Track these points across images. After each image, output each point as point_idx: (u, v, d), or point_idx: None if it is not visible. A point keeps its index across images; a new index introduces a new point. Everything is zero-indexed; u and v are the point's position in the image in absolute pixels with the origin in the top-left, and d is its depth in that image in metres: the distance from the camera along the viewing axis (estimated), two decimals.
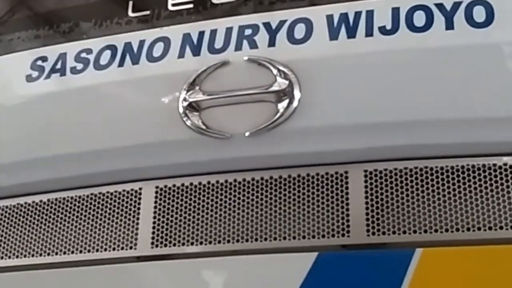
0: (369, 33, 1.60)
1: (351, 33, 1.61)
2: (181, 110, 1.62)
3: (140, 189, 1.66)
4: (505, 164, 1.50)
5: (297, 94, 1.58)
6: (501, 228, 1.45)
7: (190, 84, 1.64)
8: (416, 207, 1.51)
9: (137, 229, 1.63)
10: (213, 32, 1.70)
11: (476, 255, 1.44)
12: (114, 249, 1.63)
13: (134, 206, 1.65)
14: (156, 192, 1.64)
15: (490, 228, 1.46)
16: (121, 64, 1.74)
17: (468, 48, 1.56)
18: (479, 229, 1.46)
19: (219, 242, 1.57)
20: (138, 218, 1.64)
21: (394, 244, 1.49)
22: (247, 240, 1.56)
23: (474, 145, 1.52)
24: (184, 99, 1.63)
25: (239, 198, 1.59)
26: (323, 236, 1.53)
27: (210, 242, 1.58)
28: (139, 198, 1.65)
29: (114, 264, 1.62)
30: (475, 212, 1.48)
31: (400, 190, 1.52)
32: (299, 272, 1.48)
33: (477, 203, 1.49)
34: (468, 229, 1.47)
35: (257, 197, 1.58)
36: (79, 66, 1.77)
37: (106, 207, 1.67)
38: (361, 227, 1.51)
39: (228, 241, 1.57)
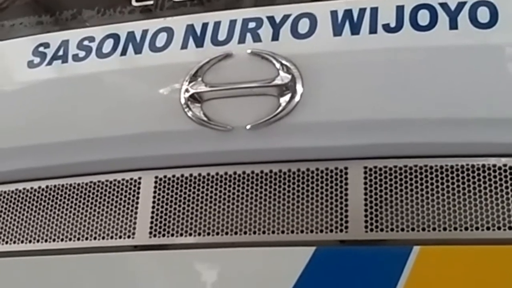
0: (373, 30, 1.60)
1: (355, 30, 1.61)
2: (182, 101, 1.62)
3: (140, 178, 1.65)
4: (505, 165, 1.50)
5: (299, 88, 1.58)
6: (499, 228, 1.46)
7: (193, 76, 1.63)
8: (415, 205, 1.51)
9: (135, 218, 1.63)
10: (217, 24, 1.69)
11: (473, 255, 1.45)
12: (112, 237, 1.63)
13: (133, 196, 1.64)
14: (156, 182, 1.64)
15: (488, 228, 1.46)
16: (123, 53, 1.73)
17: (472, 48, 1.56)
18: (477, 229, 1.47)
19: (217, 233, 1.57)
20: (136, 208, 1.63)
21: (392, 241, 1.50)
22: (245, 233, 1.56)
23: (474, 145, 1.53)
24: (186, 90, 1.62)
25: (238, 191, 1.59)
26: (321, 231, 1.53)
27: (208, 234, 1.58)
28: (138, 188, 1.65)
29: (111, 252, 1.61)
30: (473, 212, 1.48)
31: (399, 188, 1.53)
32: (297, 266, 1.48)
33: (475, 203, 1.49)
34: (466, 229, 1.47)
35: (256, 190, 1.58)
36: (81, 53, 1.76)
37: (105, 195, 1.67)
38: (360, 223, 1.51)
39: (226, 233, 1.57)
